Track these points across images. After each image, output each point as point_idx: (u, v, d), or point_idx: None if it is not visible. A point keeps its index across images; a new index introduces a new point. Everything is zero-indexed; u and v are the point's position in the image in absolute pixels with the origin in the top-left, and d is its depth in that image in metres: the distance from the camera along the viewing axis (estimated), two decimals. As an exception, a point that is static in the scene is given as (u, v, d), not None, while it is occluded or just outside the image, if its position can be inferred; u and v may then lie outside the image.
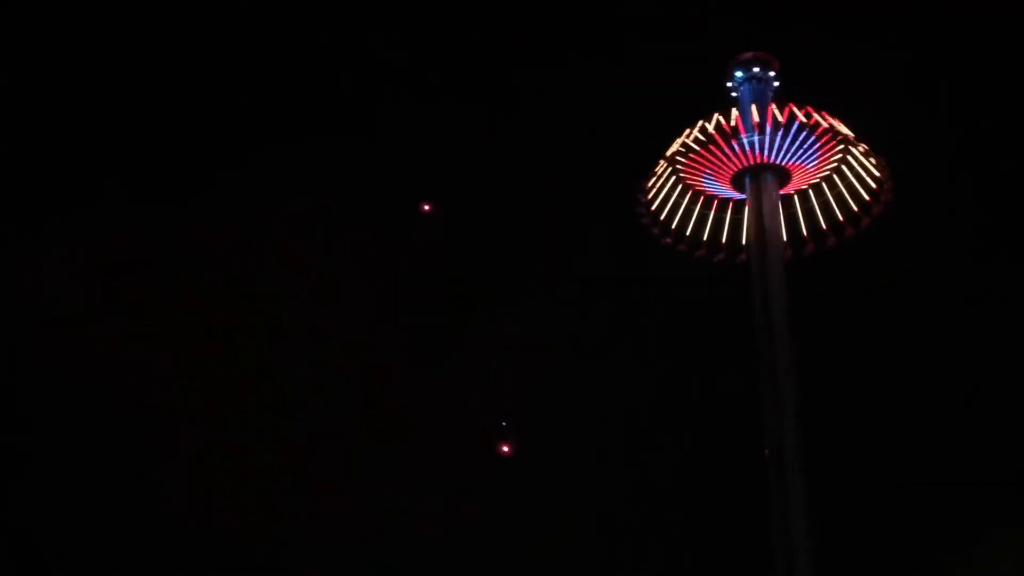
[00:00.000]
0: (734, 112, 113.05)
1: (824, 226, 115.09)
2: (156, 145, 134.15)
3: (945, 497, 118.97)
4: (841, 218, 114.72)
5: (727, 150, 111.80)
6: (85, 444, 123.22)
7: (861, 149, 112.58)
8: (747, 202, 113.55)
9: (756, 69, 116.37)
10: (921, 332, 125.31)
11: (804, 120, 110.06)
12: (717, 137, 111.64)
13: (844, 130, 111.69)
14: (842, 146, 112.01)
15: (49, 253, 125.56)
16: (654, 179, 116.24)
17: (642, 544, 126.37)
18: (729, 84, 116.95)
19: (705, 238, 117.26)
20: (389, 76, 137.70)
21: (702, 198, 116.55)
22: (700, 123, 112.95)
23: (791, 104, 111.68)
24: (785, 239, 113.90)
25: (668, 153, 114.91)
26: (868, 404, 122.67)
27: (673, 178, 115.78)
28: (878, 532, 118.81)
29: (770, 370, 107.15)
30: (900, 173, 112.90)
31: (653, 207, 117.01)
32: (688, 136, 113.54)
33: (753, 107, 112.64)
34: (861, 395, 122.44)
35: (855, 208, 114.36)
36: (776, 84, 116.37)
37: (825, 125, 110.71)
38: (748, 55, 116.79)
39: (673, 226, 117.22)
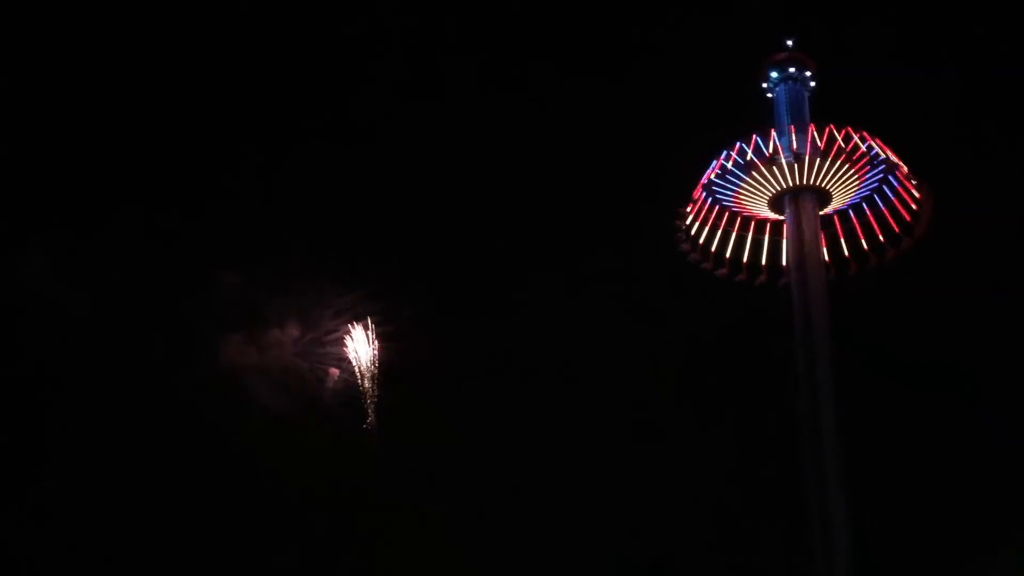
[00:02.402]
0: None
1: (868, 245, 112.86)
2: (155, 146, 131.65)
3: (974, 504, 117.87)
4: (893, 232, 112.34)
5: (767, 173, 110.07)
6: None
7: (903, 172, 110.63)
8: (787, 223, 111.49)
9: (792, 69, 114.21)
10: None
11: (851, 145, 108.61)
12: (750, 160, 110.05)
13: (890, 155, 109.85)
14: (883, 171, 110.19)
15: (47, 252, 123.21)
16: (691, 206, 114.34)
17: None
18: (764, 85, 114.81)
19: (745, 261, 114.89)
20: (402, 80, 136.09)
21: (752, 224, 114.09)
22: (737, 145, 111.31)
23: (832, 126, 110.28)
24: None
25: (707, 178, 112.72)
26: (906, 421, 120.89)
27: (712, 203, 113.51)
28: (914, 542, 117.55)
29: (810, 393, 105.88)
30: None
31: (692, 232, 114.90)
32: (728, 160, 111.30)
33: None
34: (900, 411, 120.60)
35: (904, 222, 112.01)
36: (812, 84, 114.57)
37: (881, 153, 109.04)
38: (783, 55, 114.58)
39: (715, 251, 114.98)
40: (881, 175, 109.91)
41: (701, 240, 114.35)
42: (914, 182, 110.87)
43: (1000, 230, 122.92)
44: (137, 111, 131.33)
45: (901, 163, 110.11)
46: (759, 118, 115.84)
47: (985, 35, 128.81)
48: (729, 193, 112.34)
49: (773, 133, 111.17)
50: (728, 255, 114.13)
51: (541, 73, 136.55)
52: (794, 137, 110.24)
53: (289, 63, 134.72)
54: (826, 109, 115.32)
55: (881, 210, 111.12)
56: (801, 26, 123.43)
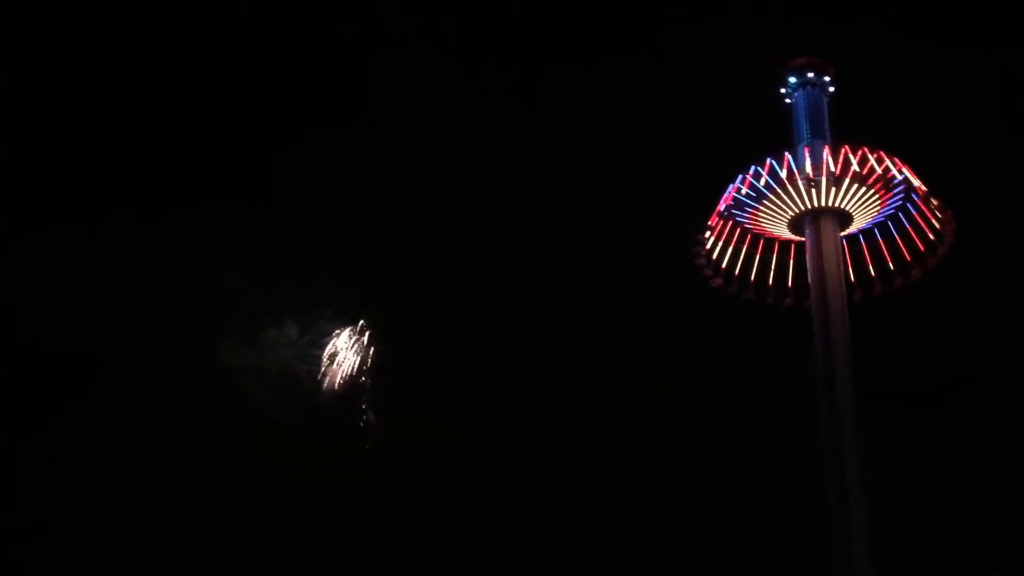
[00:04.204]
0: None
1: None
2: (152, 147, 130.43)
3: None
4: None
5: (785, 196, 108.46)
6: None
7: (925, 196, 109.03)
8: (807, 245, 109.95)
9: (810, 75, 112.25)
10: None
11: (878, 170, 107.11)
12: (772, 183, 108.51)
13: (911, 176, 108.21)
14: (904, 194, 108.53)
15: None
16: (711, 230, 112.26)
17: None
18: (783, 90, 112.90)
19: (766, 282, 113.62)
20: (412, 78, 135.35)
21: (776, 245, 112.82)
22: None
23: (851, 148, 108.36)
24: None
25: (726, 200, 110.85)
26: (927, 434, 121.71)
27: (732, 225, 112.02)
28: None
29: (830, 417, 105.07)
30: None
31: (714, 256, 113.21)
32: (746, 183, 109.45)
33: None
34: (922, 425, 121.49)
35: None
36: (831, 90, 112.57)
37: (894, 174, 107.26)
38: (802, 60, 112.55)
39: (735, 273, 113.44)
40: (902, 197, 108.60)
41: (724, 264, 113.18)
42: (935, 203, 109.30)
43: (1000, 232, 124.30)
44: (135, 110, 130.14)
45: (922, 185, 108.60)
46: (772, 118, 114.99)
47: (985, 35, 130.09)
48: (748, 215, 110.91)
49: (788, 157, 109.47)
50: (752, 277, 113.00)
51: (536, 72, 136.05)
52: (808, 160, 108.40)
53: (289, 63, 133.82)
54: (836, 113, 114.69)
55: (904, 231, 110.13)
56: (801, 25, 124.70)
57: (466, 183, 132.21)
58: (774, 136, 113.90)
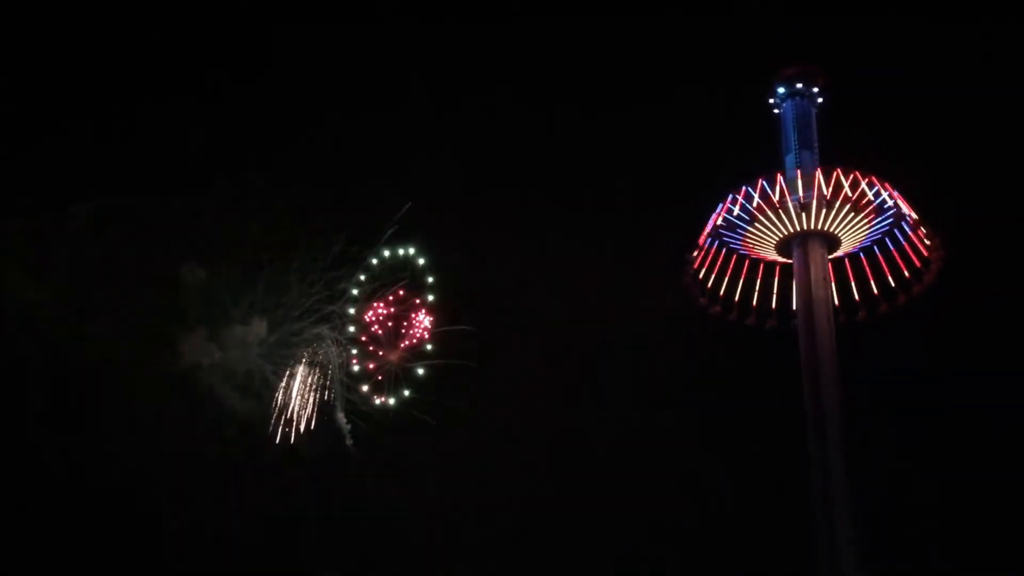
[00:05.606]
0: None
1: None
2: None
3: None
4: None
5: (774, 218, 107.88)
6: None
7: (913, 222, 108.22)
8: (794, 268, 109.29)
9: (799, 85, 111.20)
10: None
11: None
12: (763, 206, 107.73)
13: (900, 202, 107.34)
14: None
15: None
16: (699, 251, 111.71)
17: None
18: (771, 100, 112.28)
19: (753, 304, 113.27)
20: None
21: (762, 267, 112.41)
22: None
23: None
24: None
25: (714, 222, 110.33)
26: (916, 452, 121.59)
27: (720, 247, 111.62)
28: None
29: (819, 438, 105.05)
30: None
31: (700, 276, 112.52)
32: (734, 204, 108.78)
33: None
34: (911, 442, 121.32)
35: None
36: (820, 100, 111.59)
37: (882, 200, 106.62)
38: (792, 69, 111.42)
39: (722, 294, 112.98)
40: (891, 222, 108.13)
41: (710, 284, 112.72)
42: (924, 231, 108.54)
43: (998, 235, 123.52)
44: (134, 108, 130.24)
45: (911, 211, 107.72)
46: (762, 127, 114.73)
47: (984, 36, 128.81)
48: (737, 237, 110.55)
49: (780, 178, 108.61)
50: (738, 299, 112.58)
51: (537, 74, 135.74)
52: (800, 182, 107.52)
53: (288, 63, 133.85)
54: (834, 115, 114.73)
55: (892, 254, 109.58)
56: (800, 26, 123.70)
57: (464, 183, 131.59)
58: (775, 137, 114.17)
